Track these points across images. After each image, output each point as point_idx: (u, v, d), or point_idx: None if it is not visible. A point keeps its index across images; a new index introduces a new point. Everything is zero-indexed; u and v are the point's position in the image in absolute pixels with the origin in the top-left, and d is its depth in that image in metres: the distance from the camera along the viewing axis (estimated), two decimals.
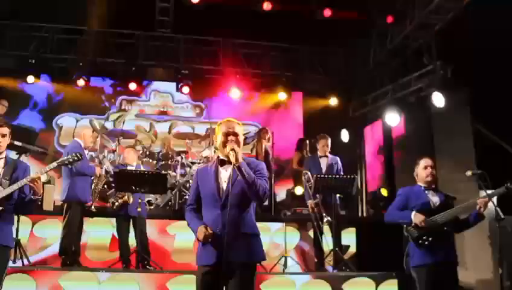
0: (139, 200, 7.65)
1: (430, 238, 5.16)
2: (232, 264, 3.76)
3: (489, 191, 5.11)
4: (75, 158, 5.23)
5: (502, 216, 4.98)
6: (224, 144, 3.96)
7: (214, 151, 9.85)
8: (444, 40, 9.81)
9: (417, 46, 10.45)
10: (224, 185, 3.96)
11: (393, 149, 12.23)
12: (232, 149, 3.85)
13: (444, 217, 5.18)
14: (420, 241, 5.20)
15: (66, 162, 5.24)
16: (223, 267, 3.73)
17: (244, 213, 3.93)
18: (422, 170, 5.42)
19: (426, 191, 5.39)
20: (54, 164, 5.18)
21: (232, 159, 3.82)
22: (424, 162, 5.45)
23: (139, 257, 7.59)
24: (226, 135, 3.99)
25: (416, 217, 5.19)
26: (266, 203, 9.77)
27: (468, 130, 10.24)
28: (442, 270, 5.11)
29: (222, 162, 4.04)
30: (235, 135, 4.00)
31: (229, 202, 3.85)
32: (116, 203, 7.73)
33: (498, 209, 5.00)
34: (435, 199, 5.35)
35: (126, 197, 7.62)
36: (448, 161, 9.49)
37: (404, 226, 5.33)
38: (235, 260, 3.77)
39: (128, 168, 8.09)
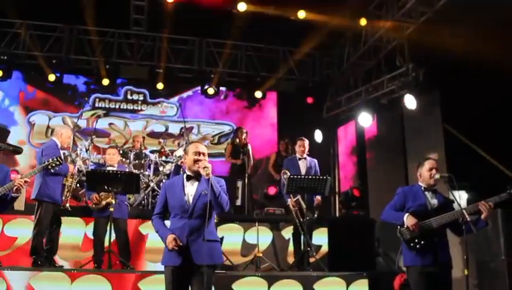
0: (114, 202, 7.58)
1: (422, 242, 5.08)
2: (197, 266, 4.41)
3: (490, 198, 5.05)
4: (57, 162, 5.82)
5: (468, 219, 5.00)
6: (195, 162, 4.61)
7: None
8: (417, 42, 9.94)
9: (390, 49, 10.59)
10: (190, 198, 4.60)
11: (366, 149, 12.39)
12: (205, 167, 4.49)
13: (440, 221, 5.10)
14: (412, 244, 5.12)
15: (49, 166, 5.82)
16: (189, 268, 4.42)
17: (208, 222, 4.48)
18: (427, 171, 5.30)
19: (426, 193, 5.29)
20: (39, 167, 5.88)
21: (203, 173, 4.48)
22: (429, 163, 5.33)
23: (111, 257, 7.54)
24: (198, 154, 4.65)
25: (408, 220, 5.10)
26: (239, 203, 9.89)
27: (438, 131, 10.40)
28: (433, 271, 5.03)
29: (188, 177, 4.68)
30: (204, 155, 4.69)
31: (195, 212, 4.54)
32: (99, 205, 7.61)
33: (464, 211, 5.03)
34: (433, 201, 5.26)
35: (110, 198, 7.53)
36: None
37: (398, 227, 5.23)
38: (200, 262, 4.41)
39: (109, 168, 7.98)
